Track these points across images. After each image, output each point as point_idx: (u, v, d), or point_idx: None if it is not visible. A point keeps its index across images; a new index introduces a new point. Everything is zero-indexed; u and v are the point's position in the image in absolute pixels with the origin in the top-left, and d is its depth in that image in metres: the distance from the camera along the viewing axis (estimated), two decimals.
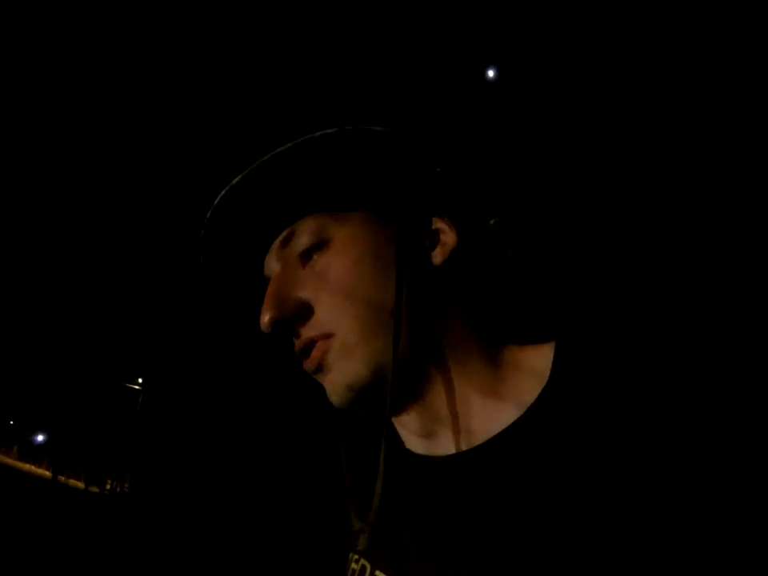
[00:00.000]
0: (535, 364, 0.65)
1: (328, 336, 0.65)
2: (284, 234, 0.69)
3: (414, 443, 0.72)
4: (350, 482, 0.72)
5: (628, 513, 0.51)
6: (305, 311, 0.66)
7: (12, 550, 8.22)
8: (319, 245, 0.67)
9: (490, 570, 0.55)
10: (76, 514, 18.35)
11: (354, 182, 0.68)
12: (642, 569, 0.49)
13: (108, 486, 35.17)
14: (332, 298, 0.64)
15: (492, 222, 0.70)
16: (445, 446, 0.67)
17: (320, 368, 0.66)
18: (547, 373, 0.63)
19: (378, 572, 0.67)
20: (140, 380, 33.17)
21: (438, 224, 0.69)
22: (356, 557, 0.73)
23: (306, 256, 0.68)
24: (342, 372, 0.64)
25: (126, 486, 32.35)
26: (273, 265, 0.71)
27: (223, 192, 0.66)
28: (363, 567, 0.70)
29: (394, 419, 0.71)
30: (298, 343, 0.67)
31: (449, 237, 0.68)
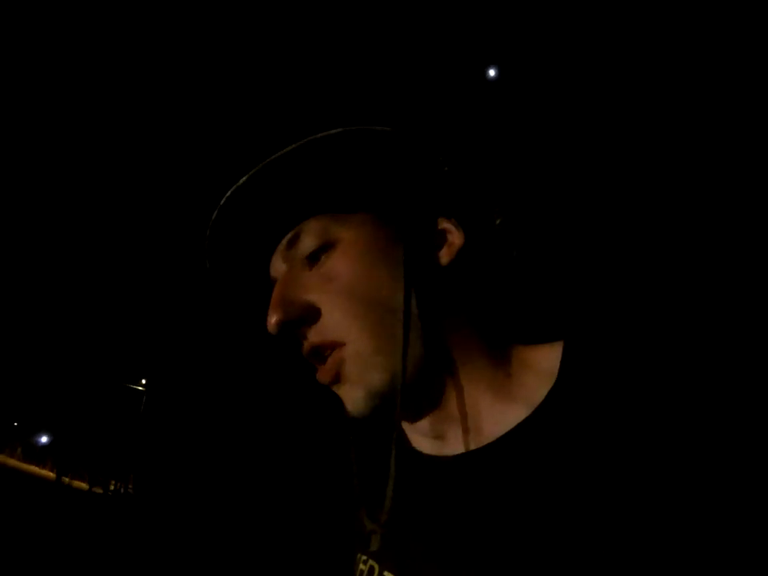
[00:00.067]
0: (543, 363, 0.65)
1: (339, 344, 0.64)
2: (290, 235, 0.69)
3: (422, 443, 0.72)
4: (359, 484, 0.71)
5: (639, 512, 0.50)
6: (312, 314, 0.65)
7: (16, 550, 8.23)
8: (325, 246, 0.66)
9: (499, 570, 0.55)
10: (80, 515, 18.37)
11: (359, 182, 0.68)
12: (654, 567, 0.49)
13: (112, 487, 35.21)
14: (340, 302, 0.64)
15: (497, 222, 0.70)
16: (453, 445, 0.67)
17: (336, 380, 0.66)
18: (555, 372, 0.63)
19: (386, 572, 0.67)
20: (143, 381, 33.22)
21: (444, 224, 0.69)
22: (364, 557, 0.73)
23: (313, 258, 0.67)
24: (361, 383, 0.64)
25: (130, 487, 32.38)
26: (279, 266, 0.70)
27: (229, 193, 0.66)
28: (372, 568, 0.70)
29: (402, 420, 0.71)
30: (306, 346, 0.67)
31: (455, 237, 0.68)
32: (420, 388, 0.66)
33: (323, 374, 0.67)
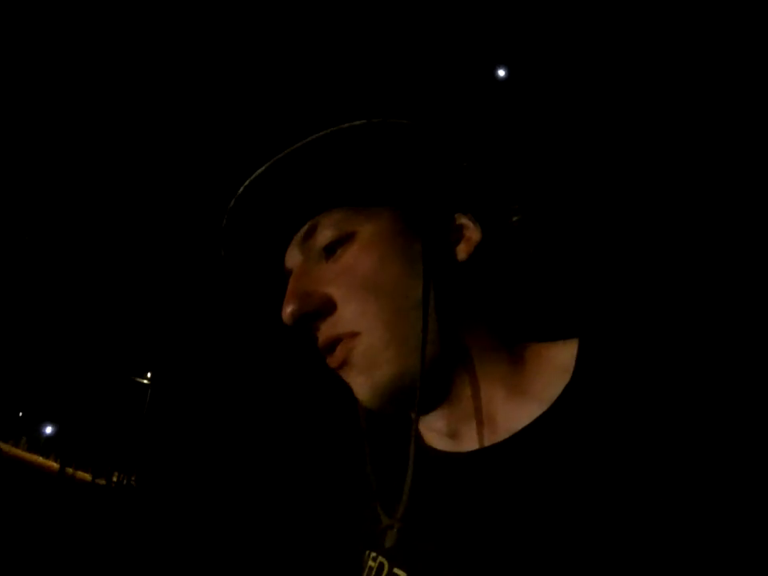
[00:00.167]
0: (559, 360, 0.64)
1: (354, 334, 0.64)
2: (306, 226, 0.68)
3: (435, 440, 0.71)
4: (375, 479, 0.70)
5: (658, 509, 0.50)
6: (328, 306, 0.65)
7: (19, 541, 8.27)
8: (343, 239, 0.66)
9: (514, 569, 0.54)
10: (82, 506, 18.45)
11: (379, 175, 0.67)
12: (675, 564, 0.48)
13: (115, 479, 35.38)
14: (358, 295, 0.63)
15: (515, 219, 0.69)
16: (467, 442, 0.66)
17: (345, 364, 0.65)
18: (571, 369, 0.62)
19: (396, 570, 0.65)
20: (149, 374, 33.34)
21: (462, 220, 0.68)
22: (373, 554, 0.71)
23: (330, 250, 0.67)
24: (369, 372, 0.63)
25: (133, 479, 32.52)
26: (295, 258, 0.70)
27: (247, 182, 0.65)
28: (381, 565, 0.68)
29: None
30: (321, 339, 0.66)
31: (473, 233, 0.68)
32: (435, 383, 0.65)
33: (332, 359, 0.66)
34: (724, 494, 0.49)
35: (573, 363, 0.62)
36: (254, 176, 0.64)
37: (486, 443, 0.64)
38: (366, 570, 0.71)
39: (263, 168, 0.64)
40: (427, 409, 0.68)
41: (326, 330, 0.65)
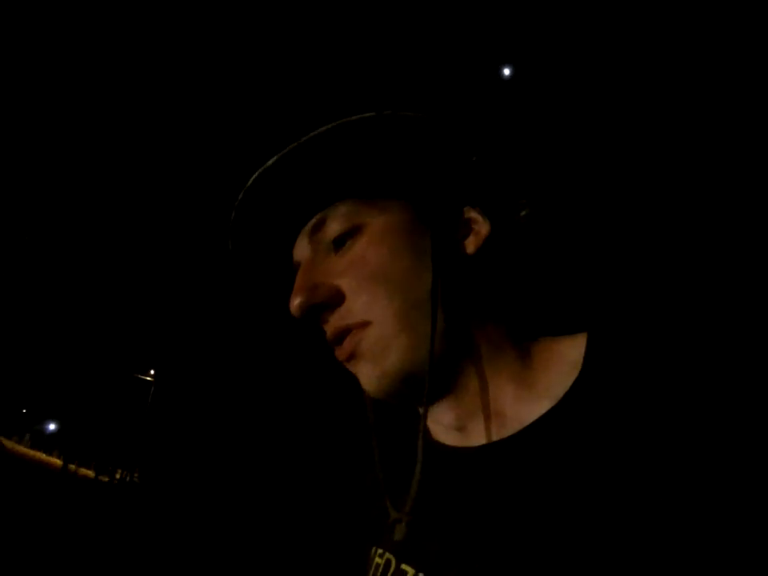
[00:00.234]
0: (568, 355, 0.63)
1: (364, 324, 0.63)
2: (315, 219, 0.68)
3: (443, 434, 0.70)
4: (383, 473, 0.70)
5: (670, 506, 0.49)
6: (337, 298, 0.64)
7: (22, 537, 8.29)
8: (352, 231, 0.65)
9: (523, 565, 0.54)
10: (85, 503, 18.50)
11: (389, 167, 0.66)
12: (686, 562, 0.47)
13: (118, 476, 35.49)
14: (367, 287, 0.63)
15: (523, 213, 0.69)
16: (475, 437, 0.65)
17: (353, 356, 0.65)
18: (580, 363, 0.61)
19: (404, 566, 0.64)
20: (152, 371, 33.41)
21: (471, 213, 0.68)
22: (380, 551, 0.70)
23: (338, 243, 0.66)
24: (377, 361, 0.63)
25: (136, 476, 32.61)
26: (303, 251, 0.69)
27: (256, 174, 0.64)
28: (388, 561, 0.67)
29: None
30: (330, 331, 0.66)
31: (482, 227, 0.67)
32: (444, 377, 0.65)
33: (341, 351, 0.66)
34: (737, 490, 0.48)
35: (581, 358, 0.62)
36: (263, 168, 0.64)
37: (495, 438, 0.63)
38: (373, 567, 0.70)
39: (272, 160, 0.63)
40: (435, 402, 0.67)
41: (335, 322, 0.65)
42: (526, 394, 0.63)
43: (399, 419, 0.77)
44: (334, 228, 0.66)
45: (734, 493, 0.48)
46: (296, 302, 0.64)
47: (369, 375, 0.64)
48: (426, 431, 0.73)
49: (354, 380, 0.69)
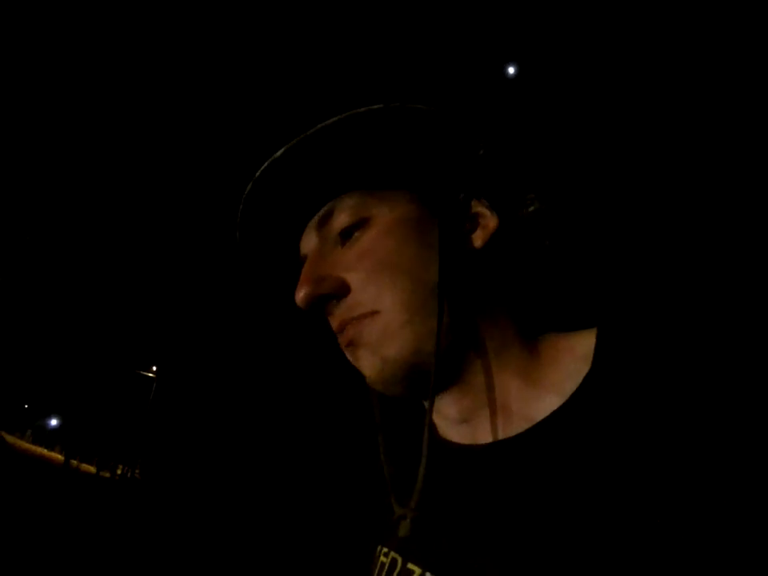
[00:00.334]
0: (577, 350, 0.62)
1: (371, 313, 0.62)
2: (322, 211, 0.67)
3: (451, 431, 0.69)
4: (389, 468, 0.69)
5: (682, 506, 0.48)
6: (344, 289, 0.64)
7: (23, 533, 8.31)
8: (359, 223, 0.65)
9: (532, 566, 0.53)
10: (87, 498, 18.54)
11: (397, 160, 0.66)
12: (700, 563, 0.46)
13: (119, 472, 35.58)
14: (375, 278, 0.62)
15: (531, 208, 0.69)
16: (484, 433, 0.64)
17: (354, 342, 0.64)
18: (590, 359, 0.60)
19: (410, 565, 0.63)
20: (154, 368, 33.47)
21: (479, 207, 0.67)
22: (385, 550, 0.69)
23: (346, 235, 0.66)
24: (378, 349, 0.62)
25: (137, 472, 32.69)
26: (310, 243, 0.69)
27: (264, 166, 0.64)
28: (394, 560, 0.66)
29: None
30: (337, 322, 0.65)
31: (490, 221, 0.66)
32: (450, 371, 0.64)
33: (343, 337, 0.65)
34: (754, 487, 0.47)
35: (591, 354, 0.61)
36: (271, 159, 0.63)
37: (502, 434, 0.63)
38: (378, 566, 0.69)
39: (281, 152, 0.63)
40: (440, 395, 0.66)
41: (342, 313, 0.64)
42: (534, 390, 0.63)
43: (405, 415, 0.76)
44: (341, 220, 0.66)
45: (751, 490, 0.47)
46: (302, 293, 0.64)
47: (370, 361, 0.63)
48: (433, 428, 0.72)
49: (359, 376, 0.68)
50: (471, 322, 0.64)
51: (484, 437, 0.64)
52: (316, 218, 0.68)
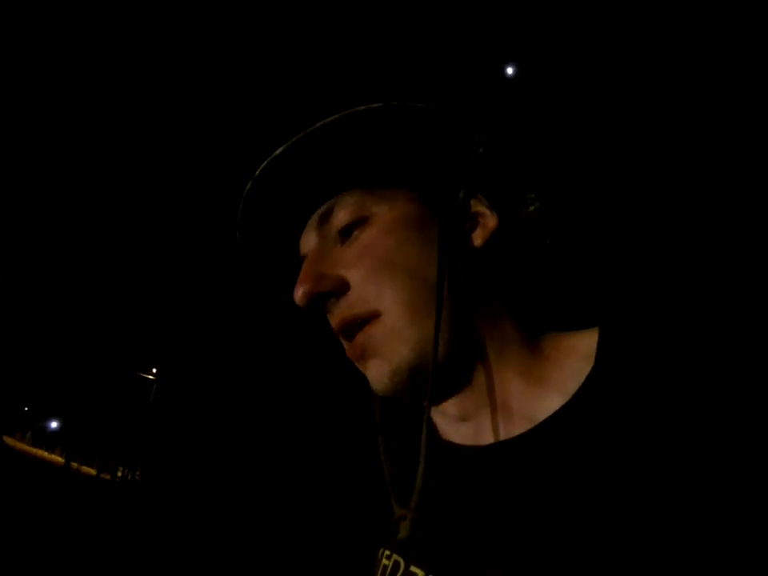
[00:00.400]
0: (579, 350, 0.62)
1: (374, 315, 0.62)
2: (322, 209, 0.67)
3: (452, 432, 0.69)
4: (388, 469, 0.68)
5: (688, 507, 0.48)
6: (344, 287, 0.63)
7: (24, 535, 8.30)
8: (359, 222, 0.64)
9: (537, 568, 0.52)
10: (87, 500, 18.52)
11: (397, 158, 0.66)
12: (703, 562, 0.46)
13: (119, 474, 35.54)
14: (374, 276, 0.62)
15: (531, 208, 0.68)
16: (486, 433, 0.64)
17: (364, 354, 0.63)
18: (592, 358, 0.60)
19: (413, 568, 0.62)
20: (154, 370, 33.44)
21: (478, 207, 0.67)
22: (387, 552, 0.68)
23: (346, 233, 0.65)
24: (389, 357, 0.61)
25: (138, 474, 32.67)
26: (310, 242, 0.68)
27: (264, 164, 0.64)
28: (396, 563, 0.66)
29: (431, 404, 0.68)
30: (337, 320, 0.64)
31: (490, 220, 0.66)
32: (450, 370, 0.63)
33: (352, 349, 0.64)
34: (754, 487, 0.47)
35: (593, 353, 0.61)
36: (270, 158, 0.63)
37: (504, 434, 0.62)
38: (380, 569, 0.68)
39: (280, 150, 0.63)
40: (441, 395, 0.66)
41: (342, 311, 0.64)
42: (536, 389, 0.62)
43: (406, 416, 0.75)
44: (341, 218, 0.66)
45: (755, 490, 0.47)
46: (301, 291, 0.64)
47: (380, 373, 0.63)
48: (434, 429, 0.72)
49: (359, 376, 0.68)
50: (472, 321, 0.64)
51: (486, 437, 0.64)
52: (316, 216, 0.68)
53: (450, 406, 0.66)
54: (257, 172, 0.65)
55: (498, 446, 0.62)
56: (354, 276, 0.63)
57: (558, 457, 0.56)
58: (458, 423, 0.67)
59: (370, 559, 0.74)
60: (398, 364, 0.61)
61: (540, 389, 0.62)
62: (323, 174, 0.66)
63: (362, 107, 0.62)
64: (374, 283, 0.62)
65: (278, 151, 0.63)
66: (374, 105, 0.62)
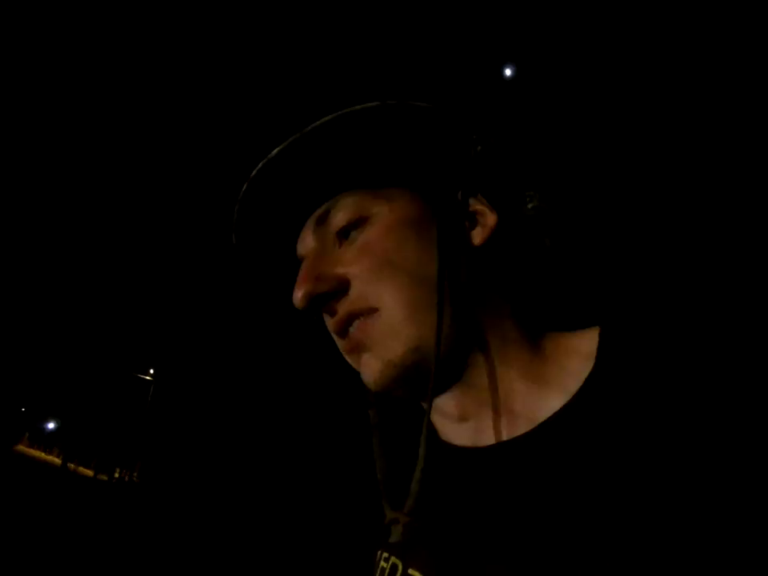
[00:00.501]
0: (580, 349, 0.62)
1: (372, 310, 0.62)
2: (320, 211, 0.66)
3: (452, 432, 0.68)
4: (382, 471, 0.68)
5: (690, 508, 0.48)
6: (343, 286, 0.63)
7: (21, 536, 8.29)
8: (357, 222, 0.64)
9: (538, 569, 0.52)
10: (85, 502, 18.49)
11: (394, 157, 0.65)
12: (710, 560, 0.46)
13: (117, 475, 35.48)
14: (374, 276, 0.61)
15: (530, 206, 0.68)
16: (486, 434, 0.63)
17: (359, 347, 0.63)
18: (593, 358, 0.60)
19: (411, 571, 0.62)
20: (151, 371, 33.41)
21: (478, 205, 0.67)
22: (385, 554, 0.68)
23: (344, 234, 0.65)
24: (383, 352, 0.61)
25: (135, 475, 32.62)
26: (308, 243, 0.68)
27: (260, 165, 0.63)
28: (394, 566, 0.65)
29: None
30: (335, 320, 0.64)
31: (489, 218, 0.66)
32: (450, 369, 0.63)
33: (347, 342, 0.64)
34: (755, 487, 0.47)
35: (594, 352, 0.61)
36: (266, 159, 0.63)
37: (505, 434, 0.62)
38: (378, 571, 0.68)
39: (276, 151, 0.63)
40: (441, 395, 0.65)
41: (342, 309, 0.63)
42: (537, 388, 0.62)
43: (406, 416, 0.75)
44: (339, 219, 0.65)
45: (755, 489, 0.47)
46: (300, 293, 0.64)
47: (373, 366, 0.63)
48: (434, 430, 0.71)
49: (357, 378, 0.67)
50: (473, 320, 0.64)
51: (486, 438, 0.64)
52: (313, 217, 0.68)
53: (450, 407, 0.66)
54: (253, 173, 0.64)
55: (499, 447, 0.62)
56: (353, 276, 0.63)
57: (559, 457, 0.56)
58: (458, 424, 0.67)
59: (369, 561, 0.73)
60: (390, 359, 0.61)
61: (541, 389, 0.62)
62: (320, 175, 0.65)
63: (359, 107, 0.61)
64: (372, 282, 0.62)
65: (274, 152, 0.63)
66: (371, 104, 0.62)
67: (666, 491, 0.49)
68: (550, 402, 0.60)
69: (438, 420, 0.70)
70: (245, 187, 0.65)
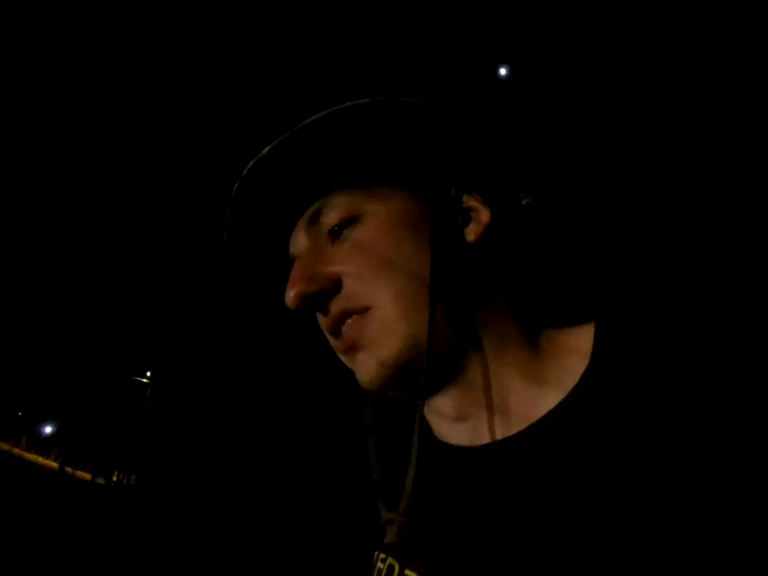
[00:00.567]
0: (576, 346, 0.62)
1: (366, 309, 0.61)
2: (311, 210, 0.66)
3: (448, 432, 0.68)
4: (377, 471, 0.68)
5: (687, 505, 0.47)
6: (336, 285, 0.63)
7: (18, 540, 8.26)
8: (350, 221, 0.64)
9: (534, 569, 0.52)
10: (82, 505, 18.45)
11: (386, 155, 0.65)
12: (705, 560, 0.46)
13: (114, 478, 35.40)
14: (367, 274, 0.61)
15: (524, 202, 0.68)
16: (483, 434, 0.63)
17: (354, 346, 0.63)
18: (588, 355, 0.60)
19: (408, 572, 0.62)
20: (148, 373, 33.35)
21: (471, 202, 0.67)
22: (382, 555, 0.68)
23: (336, 233, 0.64)
24: (378, 350, 0.61)
25: (133, 478, 32.55)
26: (300, 243, 0.67)
27: (250, 164, 0.62)
28: (391, 567, 0.65)
29: (425, 406, 0.67)
30: (329, 319, 0.64)
31: (483, 215, 0.66)
32: (446, 367, 0.63)
33: (341, 341, 0.64)
34: (751, 484, 0.47)
35: (590, 349, 0.61)
36: (256, 158, 0.63)
37: (501, 434, 0.62)
38: (375, 572, 0.68)
39: (266, 149, 0.62)
40: (437, 394, 0.65)
41: (335, 307, 0.63)
42: (533, 385, 0.62)
43: (402, 416, 0.75)
44: (331, 217, 0.65)
45: (752, 486, 0.47)
46: (293, 292, 0.63)
47: (368, 365, 0.62)
48: (429, 430, 0.71)
49: (352, 377, 0.67)
50: (468, 318, 0.64)
51: (483, 437, 0.63)
52: (305, 216, 0.67)
53: (447, 406, 0.66)
54: (244, 172, 0.64)
55: (494, 446, 0.62)
56: (346, 274, 0.63)
57: (554, 455, 0.56)
58: (454, 423, 0.66)
59: (366, 562, 0.73)
60: (385, 357, 0.61)
61: (539, 387, 0.62)
62: (311, 173, 0.65)
63: (349, 103, 0.61)
64: (366, 280, 0.62)
65: (264, 150, 0.62)
66: (361, 101, 0.61)
67: (662, 488, 0.48)
68: (546, 399, 0.60)
69: (434, 420, 0.70)
70: (236, 186, 0.65)
